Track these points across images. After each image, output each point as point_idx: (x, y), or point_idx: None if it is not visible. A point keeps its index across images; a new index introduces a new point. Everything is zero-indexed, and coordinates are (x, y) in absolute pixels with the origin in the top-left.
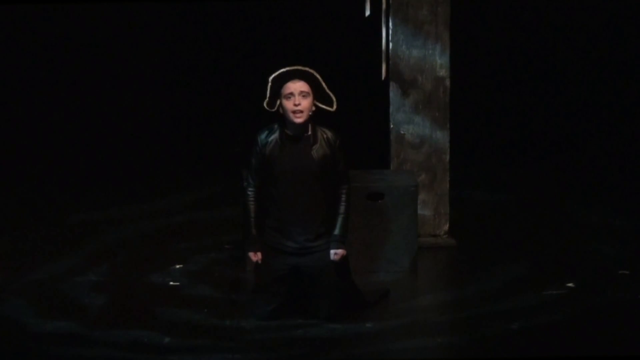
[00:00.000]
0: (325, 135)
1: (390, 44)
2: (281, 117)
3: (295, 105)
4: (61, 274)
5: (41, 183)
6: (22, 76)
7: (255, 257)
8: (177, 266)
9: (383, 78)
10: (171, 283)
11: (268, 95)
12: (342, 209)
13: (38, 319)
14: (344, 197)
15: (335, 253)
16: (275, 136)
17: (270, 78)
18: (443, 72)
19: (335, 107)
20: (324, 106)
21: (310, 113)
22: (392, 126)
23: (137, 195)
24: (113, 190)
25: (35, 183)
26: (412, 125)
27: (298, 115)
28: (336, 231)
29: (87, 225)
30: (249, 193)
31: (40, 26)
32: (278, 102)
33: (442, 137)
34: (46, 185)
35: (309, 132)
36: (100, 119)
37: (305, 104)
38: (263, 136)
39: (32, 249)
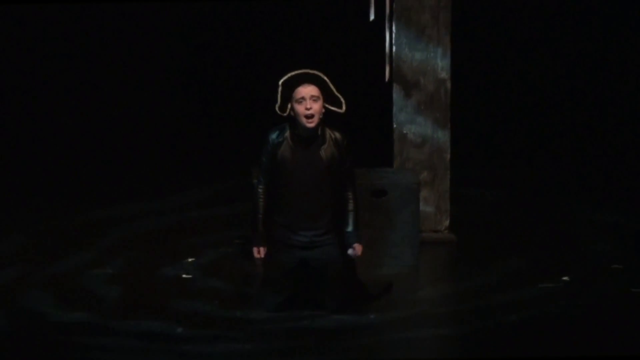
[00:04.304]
0: (333, 136)
1: (394, 47)
2: (291, 118)
3: (307, 109)
4: (79, 268)
5: (60, 182)
6: (35, 78)
7: (258, 252)
8: (190, 260)
9: (387, 80)
10: (184, 276)
11: (279, 100)
12: (351, 206)
13: (57, 310)
14: (351, 195)
15: (353, 249)
16: (285, 136)
17: (280, 82)
18: (444, 74)
19: (344, 108)
20: (333, 108)
21: (320, 116)
22: (395, 126)
23: (151, 192)
24: (128, 188)
25: (55, 182)
26: (414, 125)
27: (310, 120)
28: (350, 228)
29: (103, 221)
30: (259, 190)
31: (48, 26)
32: (289, 106)
33: (443, 136)
34: (65, 183)
35: (319, 133)
36: (114, 118)
37: (316, 107)
38: (274, 136)
39: (52, 244)
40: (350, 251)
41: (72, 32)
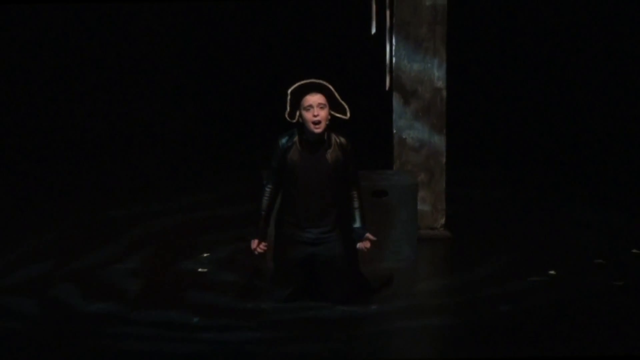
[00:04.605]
0: (338, 141)
1: (394, 59)
2: (300, 124)
3: (315, 116)
4: (103, 262)
5: (85, 183)
6: (55, 81)
7: (255, 244)
8: (205, 255)
9: (387, 89)
10: (199, 270)
11: (288, 107)
12: (356, 204)
13: (83, 301)
14: (355, 194)
15: (367, 239)
16: (294, 141)
17: (289, 91)
18: (440, 84)
19: (348, 115)
20: (338, 115)
21: (327, 122)
22: (395, 131)
23: (168, 192)
24: (147, 188)
25: (80, 183)
26: (412, 130)
27: (317, 126)
28: (357, 224)
29: (125, 219)
30: (267, 190)
31: (74, 26)
32: (298, 114)
33: (439, 141)
34: (89, 185)
35: (325, 138)
36: (134, 123)
37: (323, 114)
38: (284, 141)
39: (78, 240)
40: (360, 244)
41: (93, 35)
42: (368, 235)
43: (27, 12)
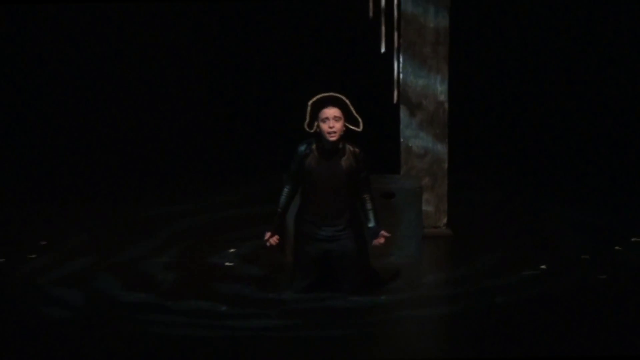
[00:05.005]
0: (352, 149)
1: (401, 75)
2: (317, 134)
3: (330, 127)
4: (140, 256)
5: (125, 185)
6: (97, 85)
7: (267, 236)
8: (231, 250)
9: (395, 102)
10: (227, 263)
11: (308, 118)
12: (369, 205)
13: (123, 291)
14: (368, 197)
15: (382, 236)
16: (312, 148)
17: (309, 103)
18: (443, 97)
19: (361, 127)
20: (352, 127)
21: (341, 133)
22: (402, 140)
23: (198, 193)
24: (180, 190)
25: (121, 185)
26: (418, 139)
27: (332, 135)
28: (372, 223)
29: (160, 218)
30: (285, 191)
31: (102, 28)
32: (316, 124)
33: (441, 149)
34: (128, 187)
35: (340, 147)
36: (168, 131)
37: (338, 126)
38: (302, 148)
39: (118, 237)
40: (375, 241)
41: (124, 40)
42: (383, 232)
43: (41, 14)
